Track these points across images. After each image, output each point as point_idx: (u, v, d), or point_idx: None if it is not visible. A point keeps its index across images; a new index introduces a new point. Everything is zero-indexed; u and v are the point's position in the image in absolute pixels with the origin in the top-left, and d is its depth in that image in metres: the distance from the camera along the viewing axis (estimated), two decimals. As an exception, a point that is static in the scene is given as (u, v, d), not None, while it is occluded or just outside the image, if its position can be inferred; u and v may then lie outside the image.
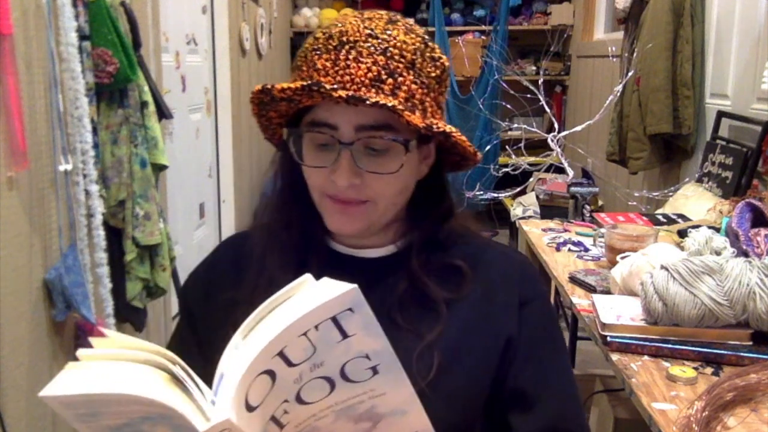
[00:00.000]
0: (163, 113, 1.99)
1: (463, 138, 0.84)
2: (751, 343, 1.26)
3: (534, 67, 5.39)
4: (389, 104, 0.76)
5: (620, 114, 3.23)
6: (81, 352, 0.64)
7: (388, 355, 0.66)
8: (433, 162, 0.90)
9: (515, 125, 2.81)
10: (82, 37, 1.63)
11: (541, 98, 2.66)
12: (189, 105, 3.04)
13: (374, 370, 0.67)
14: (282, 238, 0.90)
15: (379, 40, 0.81)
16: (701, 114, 2.91)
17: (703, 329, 1.27)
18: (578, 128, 2.64)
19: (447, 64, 0.87)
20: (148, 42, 2.15)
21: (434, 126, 0.80)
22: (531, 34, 5.42)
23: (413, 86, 0.81)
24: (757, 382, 1.11)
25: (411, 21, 0.86)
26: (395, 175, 0.83)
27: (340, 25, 0.83)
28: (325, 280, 0.66)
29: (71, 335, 1.70)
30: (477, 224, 0.97)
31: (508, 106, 3.25)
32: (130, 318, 1.93)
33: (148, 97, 1.87)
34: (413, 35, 0.83)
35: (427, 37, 0.86)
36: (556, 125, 2.65)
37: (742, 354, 1.24)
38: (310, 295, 0.65)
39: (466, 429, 0.87)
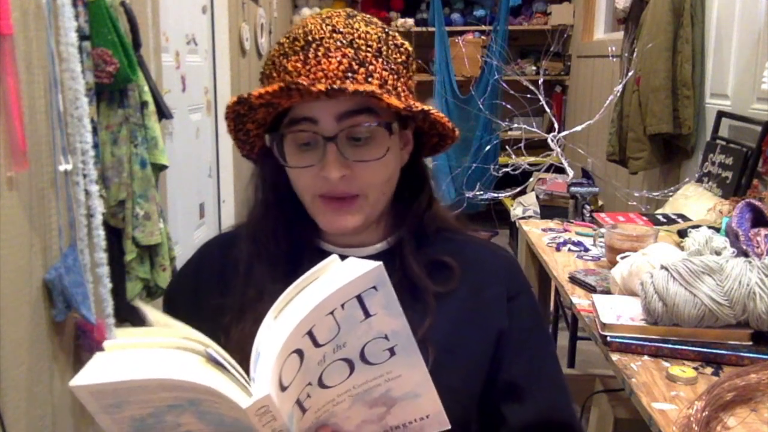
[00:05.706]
0: (163, 113, 1.99)
1: (441, 114, 0.85)
2: (751, 343, 1.26)
3: (534, 67, 5.39)
4: (368, 90, 0.77)
5: (620, 114, 3.23)
6: (107, 343, 0.63)
7: (405, 336, 0.68)
8: (412, 148, 0.92)
9: (515, 125, 2.81)
10: (82, 37, 1.63)
11: (541, 98, 2.66)
12: (189, 105, 3.03)
13: (391, 352, 0.69)
14: (269, 248, 0.90)
15: (343, 34, 0.82)
16: (701, 114, 2.91)
17: (703, 329, 1.27)
18: (578, 128, 2.64)
19: (410, 49, 0.89)
20: (148, 42, 2.15)
21: (413, 106, 0.82)
22: (531, 34, 5.43)
23: (384, 72, 0.83)
24: (757, 382, 1.12)
25: (367, 15, 0.88)
26: (382, 162, 0.84)
27: (302, 27, 0.84)
28: (351, 260, 0.68)
29: (71, 335, 1.70)
30: (459, 220, 0.99)
31: (508, 106, 3.25)
32: (130, 318, 1.93)
33: (148, 97, 1.87)
34: (373, 26, 0.85)
35: (385, 26, 0.88)
36: (556, 125, 2.65)
37: (742, 354, 1.24)
38: (337, 274, 0.67)
39: (464, 422, 0.88)
